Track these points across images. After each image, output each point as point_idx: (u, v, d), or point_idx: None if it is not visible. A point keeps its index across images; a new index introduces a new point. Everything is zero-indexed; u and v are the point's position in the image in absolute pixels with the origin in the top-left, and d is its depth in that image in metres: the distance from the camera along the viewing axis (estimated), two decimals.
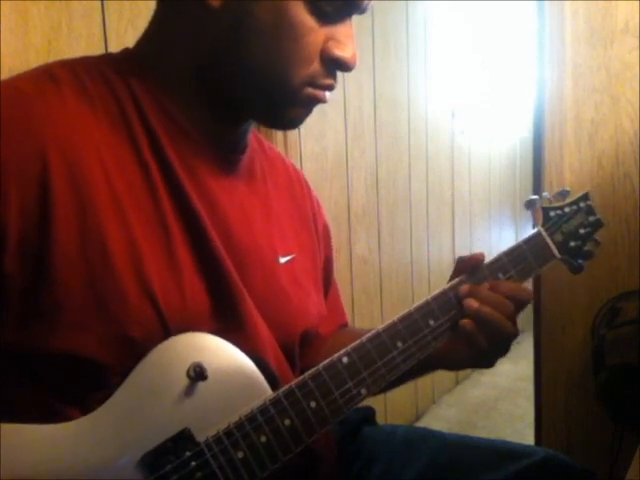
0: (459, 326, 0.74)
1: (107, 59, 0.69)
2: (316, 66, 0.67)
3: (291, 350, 0.76)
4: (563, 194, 0.88)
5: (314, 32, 0.65)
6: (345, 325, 0.95)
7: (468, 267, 0.77)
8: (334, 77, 0.69)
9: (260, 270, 0.73)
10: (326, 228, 0.91)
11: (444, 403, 2.69)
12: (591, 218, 0.88)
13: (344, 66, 0.68)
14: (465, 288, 0.75)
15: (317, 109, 0.72)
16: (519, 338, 0.75)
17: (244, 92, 0.68)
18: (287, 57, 0.65)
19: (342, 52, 0.67)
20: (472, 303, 0.74)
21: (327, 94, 0.70)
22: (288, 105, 0.69)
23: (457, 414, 2.61)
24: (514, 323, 0.75)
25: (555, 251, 0.84)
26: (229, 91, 0.68)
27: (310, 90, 0.68)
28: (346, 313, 0.96)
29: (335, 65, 0.68)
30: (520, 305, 0.76)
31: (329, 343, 0.85)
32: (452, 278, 0.78)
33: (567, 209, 0.87)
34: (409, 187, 2.37)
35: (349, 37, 0.67)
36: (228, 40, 0.65)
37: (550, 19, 1.53)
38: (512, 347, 0.77)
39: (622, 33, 1.48)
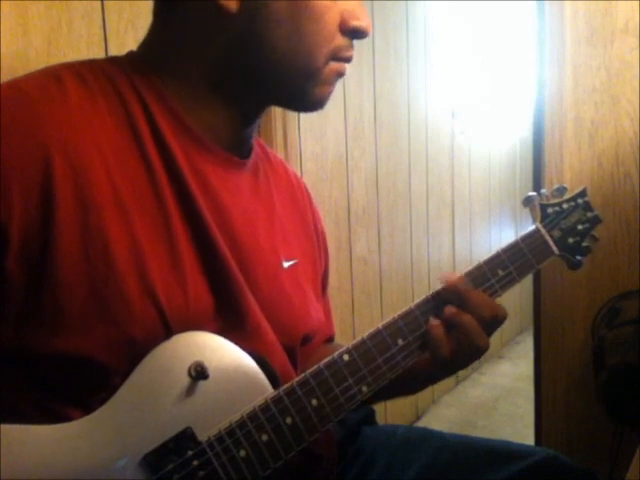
0: (428, 332, 0.71)
1: (113, 61, 0.69)
2: (338, 39, 0.69)
3: (292, 352, 0.76)
4: (560, 191, 0.88)
5: (331, 9, 0.67)
6: (331, 338, 0.93)
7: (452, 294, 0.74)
8: (352, 47, 0.72)
9: (263, 272, 0.72)
10: (324, 238, 0.91)
11: (444, 403, 2.69)
12: (589, 214, 0.88)
13: (362, 34, 0.71)
14: (450, 286, 0.73)
15: None
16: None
17: (270, 83, 0.70)
18: (311, 39, 0.67)
19: (359, 21, 0.70)
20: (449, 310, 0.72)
21: (346, 66, 0.72)
22: (316, 84, 0.70)
23: (457, 414, 2.60)
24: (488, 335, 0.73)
25: (554, 247, 0.84)
26: (252, 86, 0.70)
27: (334, 65, 0.70)
28: (334, 326, 0.94)
29: (353, 35, 0.70)
30: (496, 322, 0.74)
31: (316, 356, 0.83)
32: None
33: (565, 205, 0.87)
34: (409, 187, 2.37)
35: (360, 5, 0.70)
36: (248, 39, 0.66)
37: (550, 19, 1.53)
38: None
39: (622, 33, 1.48)
